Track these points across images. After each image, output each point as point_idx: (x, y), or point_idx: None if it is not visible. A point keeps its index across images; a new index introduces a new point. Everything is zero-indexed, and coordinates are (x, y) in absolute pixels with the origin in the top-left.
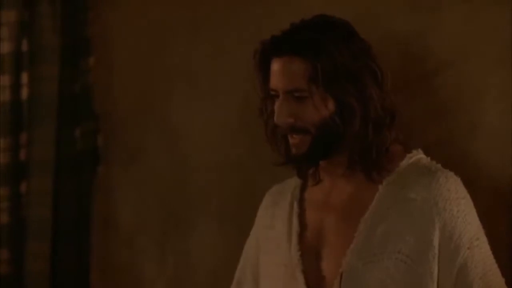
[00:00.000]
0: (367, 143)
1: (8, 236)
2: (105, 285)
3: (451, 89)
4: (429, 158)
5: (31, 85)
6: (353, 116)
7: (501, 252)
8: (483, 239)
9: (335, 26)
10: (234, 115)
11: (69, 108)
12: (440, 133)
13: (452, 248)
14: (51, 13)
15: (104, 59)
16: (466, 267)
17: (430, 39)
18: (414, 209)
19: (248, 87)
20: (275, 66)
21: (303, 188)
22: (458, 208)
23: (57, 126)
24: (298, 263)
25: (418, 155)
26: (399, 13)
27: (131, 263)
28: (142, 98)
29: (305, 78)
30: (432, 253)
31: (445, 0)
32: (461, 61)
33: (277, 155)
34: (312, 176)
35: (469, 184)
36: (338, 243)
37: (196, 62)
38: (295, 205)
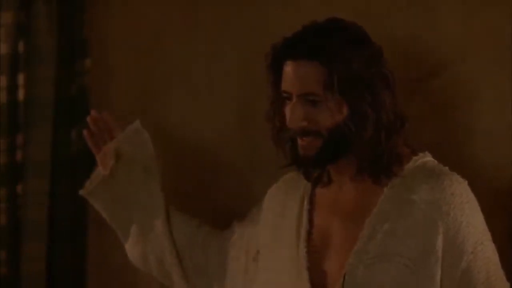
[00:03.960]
0: (379, 149)
1: (5, 237)
2: (101, 286)
3: (448, 90)
4: (435, 161)
5: (27, 86)
6: (367, 122)
7: (500, 254)
8: (488, 244)
9: (349, 31)
10: (230, 117)
11: (65, 109)
12: (437, 134)
13: (455, 253)
14: (48, 15)
15: (100, 60)
16: (469, 272)
17: (427, 40)
18: (417, 212)
19: (244, 89)
20: (289, 69)
21: (314, 185)
22: (462, 213)
23: (54, 127)
24: (304, 260)
25: (424, 158)
26: (395, 14)
27: (127, 264)
28: (138, 100)
29: (320, 82)
30: (434, 257)
31: (442, 1)
32: (458, 62)
33: (281, 157)
34: (320, 178)
35: None
36: (343, 245)
37: (193, 64)
38: (306, 201)
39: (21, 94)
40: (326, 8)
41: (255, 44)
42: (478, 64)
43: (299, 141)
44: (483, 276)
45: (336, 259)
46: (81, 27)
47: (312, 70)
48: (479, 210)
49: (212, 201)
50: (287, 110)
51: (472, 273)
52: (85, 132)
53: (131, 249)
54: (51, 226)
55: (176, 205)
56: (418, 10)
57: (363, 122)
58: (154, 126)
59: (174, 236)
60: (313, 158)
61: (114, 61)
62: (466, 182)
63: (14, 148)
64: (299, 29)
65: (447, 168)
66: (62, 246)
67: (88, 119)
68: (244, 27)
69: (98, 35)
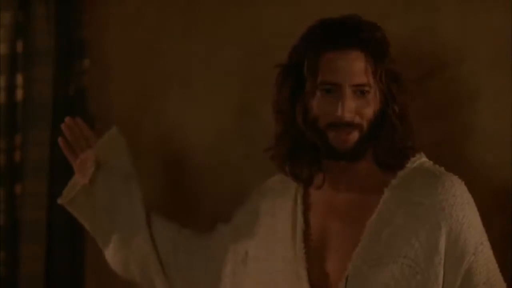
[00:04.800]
0: (398, 140)
1: (3, 238)
2: (99, 287)
3: (448, 90)
4: (431, 162)
5: (25, 86)
6: (398, 114)
7: (499, 254)
8: (487, 244)
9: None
10: (228, 117)
11: (63, 110)
12: (435, 134)
13: (458, 254)
14: (46, 15)
15: (98, 61)
16: (471, 272)
17: (426, 40)
18: (419, 213)
19: (243, 89)
20: (339, 59)
21: (306, 186)
22: (464, 214)
23: (52, 128)
24: (302, 260)
25: (421, 159)
26: (394, 14)
27: None
28: (136, 100)
29: (370, 73)
30: (437, 258)
31: (441, 1)
32: (456, 62)
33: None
34: (310, 179)
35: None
36: (343, 246)
37: (191, 64)
38: (299, 200)
39: (19, 95)
40: (325, 8)
41: (254, 44)
42: (478, 64)
43: (337, 135)
44: (484, 277)
45: (336, 260)
46: (80, 27)
47: (363, 60)
48: (476, 210)
49: (211, 201)
50: (341, 102)
51: (474, 273)
52: (60, 140)
53: (112, 256)
54: (49, 227)
55: (174, 205)
56: (418, 10)
57: (396, 113)
58: (152, 126)
59: (156, 242)
60: (351, 151)
61: (113, 61)
62: (463, 183)
63: (12, 148)
64: (330, 19)
65: (443, 168)
66: (60, 247)
67: (63, 126)
68: (243, 27)
69: (96, 35)
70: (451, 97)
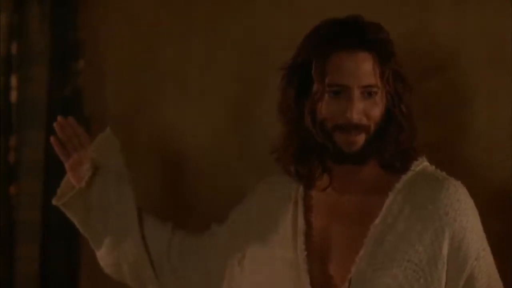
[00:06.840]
0: (404, 141)
1: None
2: (94, 287)
3: (444, 91)
4: (433, 166)
5: (21, 87)
6: (405, 116)
7: (498, 255)
8: (488, 249)
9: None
10: (224, 118)
11: (59, 110)
12: (432, 135)
13: (460, 259)
14: (41, 16)
15: (94, 61)
16: (473, 277)
17: (422, 41)
18: (423, 217)
19: (239, 90)
20: (347, 60)
21: (307, 187)
22: (467, 219)
23: (47, 128)
24: (303, 262)
25: (423, 163)
26: (390, 14)
27: None
28: (132, 101)
29: (377, 74)
30: (441, 262)
31: (437, 1)
32: (453, 63)
33: (286, 154)
34: (312, 180)
35: None
36: (347, 249)
37: (186, 65)
38: (300, 202)
39: (14, 95)
40: (322, 10)
41: (250, 46)
42: (474, 65)
43: (344, 137)
44: (486, 282)
45: (339, 263)
46: (75, 28)
47: (371, 61)
48: (478, 216)
49: (207, 202)
50: (350, 104)
51: (476, 278)
52: (52, 138)
53: (104, 257)
54: (44, 227)
55: (170, 206)
56: (414, 10)
57: (403, 113)
58: (147, 127)
59: (149, 244)
60: (357, 154)
61: (108, 62)
62: (465, 188)
63: (7, 149)
64: (336, 20)
65: (444, 173)
66: (55, 247)
67: (55, 125)
68: (239, 28)
69: (91, 36)
70: (448, 97)
